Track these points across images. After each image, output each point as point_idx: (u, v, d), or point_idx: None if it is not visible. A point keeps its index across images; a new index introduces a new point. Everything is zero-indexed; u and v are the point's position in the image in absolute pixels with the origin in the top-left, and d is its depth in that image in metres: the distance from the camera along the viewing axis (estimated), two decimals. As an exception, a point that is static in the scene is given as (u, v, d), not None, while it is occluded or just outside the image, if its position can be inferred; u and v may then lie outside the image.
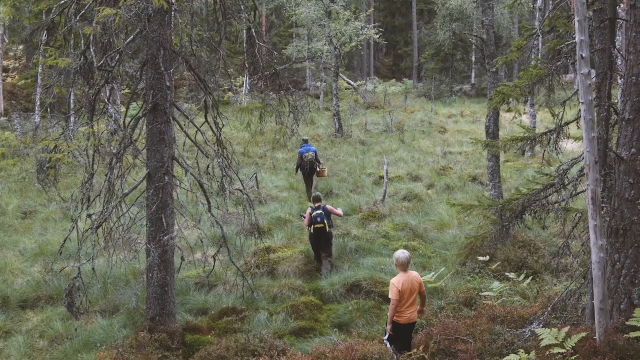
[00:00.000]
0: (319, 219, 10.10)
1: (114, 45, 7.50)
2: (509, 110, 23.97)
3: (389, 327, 6.48)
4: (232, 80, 25.75)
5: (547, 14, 7.65)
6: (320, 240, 10.22)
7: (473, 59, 36.79)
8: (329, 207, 10.48)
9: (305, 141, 15.25)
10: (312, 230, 10.16)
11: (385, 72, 48.53)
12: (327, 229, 10.16)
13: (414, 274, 6.54)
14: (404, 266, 6.42)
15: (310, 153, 14.83)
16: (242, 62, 30.57)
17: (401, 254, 6.47)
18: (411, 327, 6.56)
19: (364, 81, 37.37)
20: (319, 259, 10.34)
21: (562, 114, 7.27)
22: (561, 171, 7.02)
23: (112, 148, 7.61)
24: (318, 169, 15.08)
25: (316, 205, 10.31)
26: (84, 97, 7.87)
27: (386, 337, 6.58)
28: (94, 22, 6.93)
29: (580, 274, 6.56)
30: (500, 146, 7.96)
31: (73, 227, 7.32)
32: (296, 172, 15.74)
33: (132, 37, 7.69)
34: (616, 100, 7.04)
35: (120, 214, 7.53)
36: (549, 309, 6.28)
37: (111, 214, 7.35)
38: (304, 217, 10.69)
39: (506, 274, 8.97)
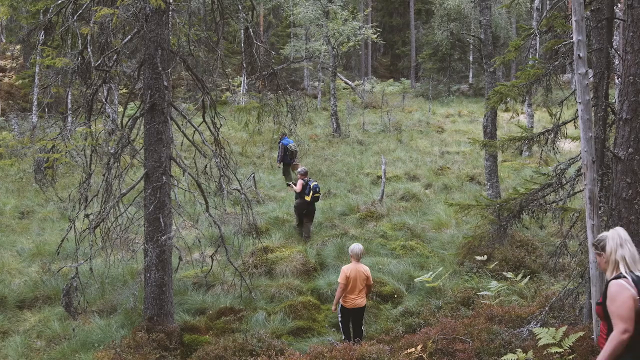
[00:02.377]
0: (318, 189, 11.52)
1: (112, 45, 7.48)
2: (506, 110, 24.01)
3: (333, 307, 7.63)
4: (229, 80, 25.70)
5: (544, 14, 7.65)
6: (312, 207, 11.57)
7: (471, 58, 36.81)
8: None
9: (284, 134, 15.71)
10: (309, 199, 11.40)
11: (383, 72, 48.50)
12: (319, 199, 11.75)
13: (363, 266, 7.54)
14: (357, 257, 7.45)
15: (293, 144, 15.72)
16: (240, 62, 30.54)
17: (355, 246, 7.52)
18: (358, 312, 7.48)
19: (362, 81, 37.27)
20: (301, 224, 11.71)
21: (560, 114, 7.28)
22: (559, 171, 7.02)
23: (109, 148, 7.60)
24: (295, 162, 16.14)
25: (306, 178, 11.54)
26: (82, 97, 7.86)
27: (340, 318, 7.57)
28: (92, 22, 6.91)
29: (577, 273, 6.57)
30: (498, 146, 7.97)
31: (71, 227, 7.31)
32: (278, 162, 16.49)
33: (129, 37, 7.67)
34: (613, 100, 7.07)
35: (117, 214, 7.52)
36: (547, 308, 6.29)
37: (109, 214, 7.34)
38: (292, 185, 11.92)
39: (504, 273, 8.97)
